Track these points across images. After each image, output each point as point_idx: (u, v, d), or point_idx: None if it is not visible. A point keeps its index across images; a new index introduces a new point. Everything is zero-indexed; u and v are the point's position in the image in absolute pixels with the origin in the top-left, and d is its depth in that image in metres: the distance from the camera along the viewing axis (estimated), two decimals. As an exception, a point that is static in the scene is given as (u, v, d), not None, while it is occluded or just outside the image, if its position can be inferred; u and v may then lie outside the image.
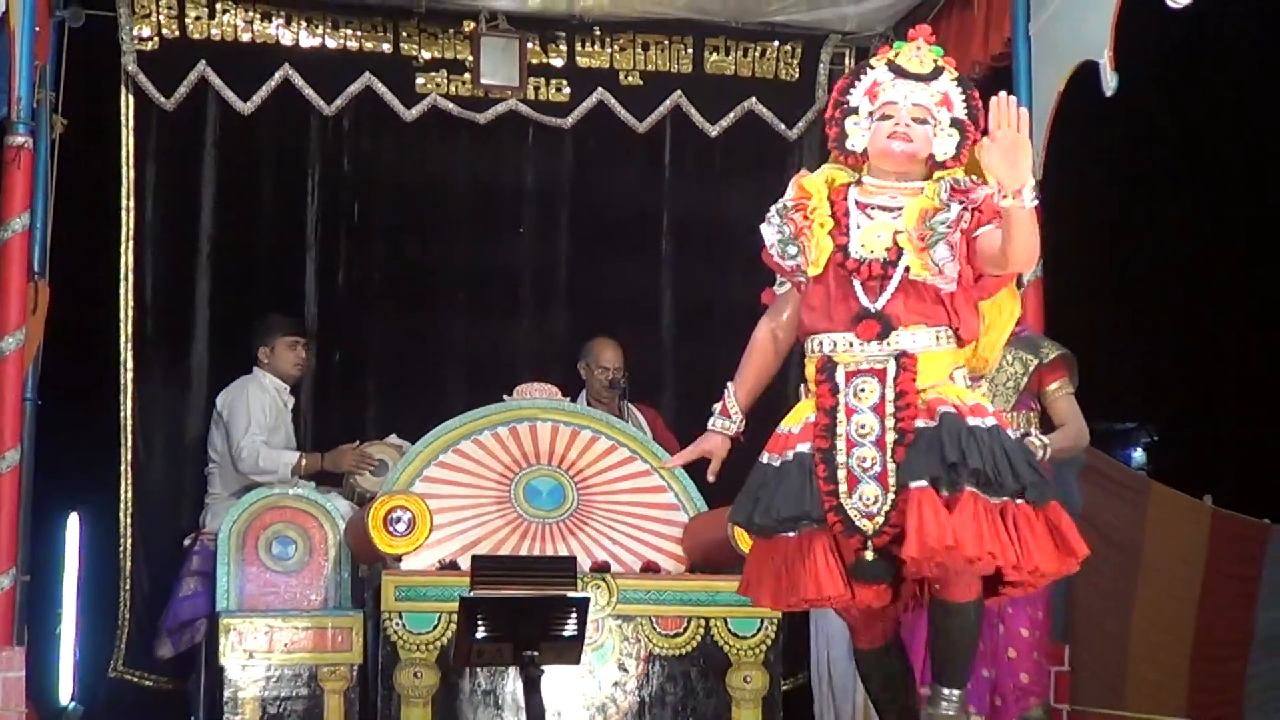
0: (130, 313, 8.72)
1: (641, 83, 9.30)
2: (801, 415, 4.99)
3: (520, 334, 9.36)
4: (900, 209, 4.95)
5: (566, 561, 6.53)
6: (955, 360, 4.96)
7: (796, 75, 9.48)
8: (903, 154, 4.97)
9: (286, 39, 8.91)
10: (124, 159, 8.76)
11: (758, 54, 9.41)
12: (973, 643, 5.02)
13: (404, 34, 9.01)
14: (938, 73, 5.04)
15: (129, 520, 8.63)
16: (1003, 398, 6.39)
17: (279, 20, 8.89)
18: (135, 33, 8.64)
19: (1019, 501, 4.70)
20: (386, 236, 9.26)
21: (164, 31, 8.70)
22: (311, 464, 8.09)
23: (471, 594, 6.08)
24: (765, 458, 4.99)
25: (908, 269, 4.88)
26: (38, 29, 7.43)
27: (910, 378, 4.83)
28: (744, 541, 7.05)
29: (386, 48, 8.99)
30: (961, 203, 4.89)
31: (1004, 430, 4.79)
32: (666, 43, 9.30)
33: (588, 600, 6.26)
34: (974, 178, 4.94)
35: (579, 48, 9.22)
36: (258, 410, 8.13)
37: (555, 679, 6.67)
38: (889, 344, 4.86)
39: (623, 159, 9.49)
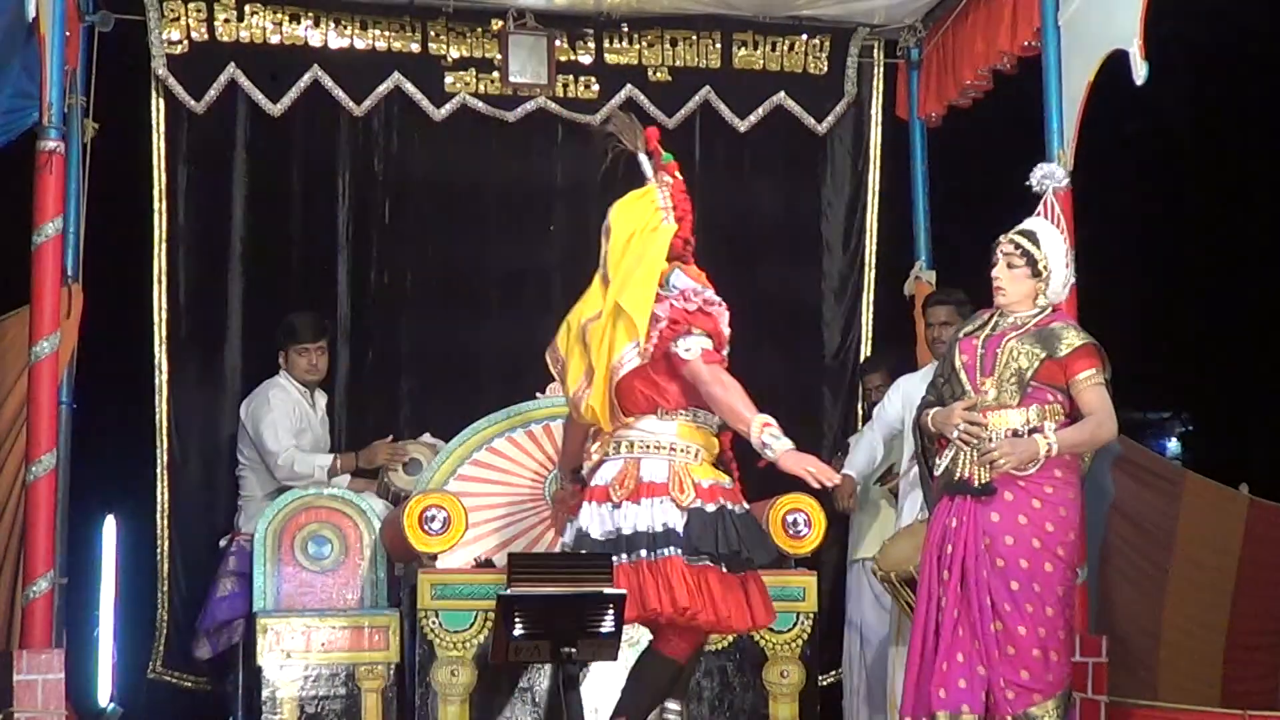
0: (164, 315, 8.76)
1: (670, 79, 9.29)
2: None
3: (553, 331, 9.30)
4: None
5: (602, 558, 6.53)
6: None
7: (825, 69, 9.46)
8: None
9: (315, 40, 8.91)
10: (155, 162, 8.79)
11: (786, 48, 9.39)
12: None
13: (432, 33, 9.02)
14: None
15: (165, 522, 8.66)
16: (1007, 392, 6.35)
17: (307, 22, 8.90)
18: (164, 36, 8.66)
19: None
20: (418, 236, 9.27)
21: (193, 34, 8.72)
22: (346, 464, 8.12)
23: (509, 591, 6.09)
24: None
25: None
26: (67, 34, 7.46)
27: None
28: None
29: (415, 47, 9.00)
30: None
31: None
32: (694, 38, 9.29)
33: (624, 596, 6.26)
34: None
35: (607, 44, 9.21)
36: (282, 415, 8.16)
37: (592, 676, 6.69)
38: None
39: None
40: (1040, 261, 6.41)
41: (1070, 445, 6.32)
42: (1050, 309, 6.48)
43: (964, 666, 6.24)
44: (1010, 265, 6.43)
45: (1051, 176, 6.59)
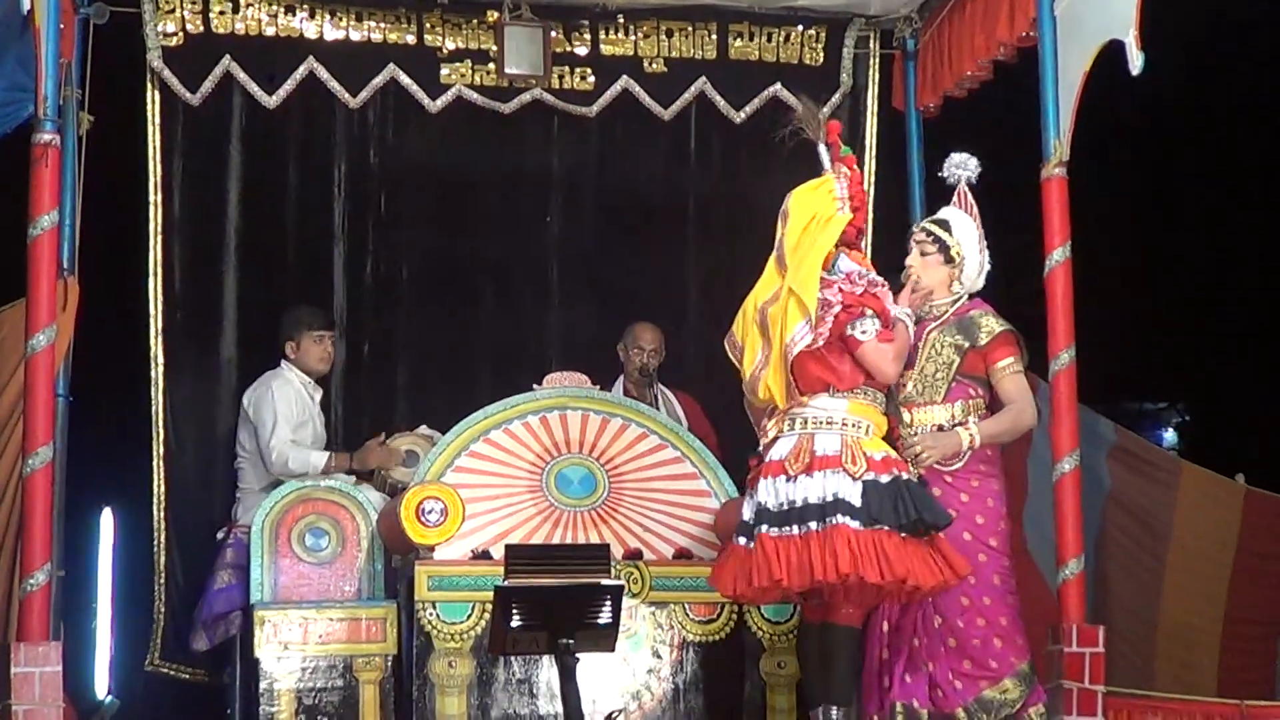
0: (159, 307, 8.73)
1: (666, 70, 9.26)
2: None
3: (549, 323, 9.37)
4: None
5: (599, 549, 6.55)
6: None
7: (821, 60, 9.44)
8: None
9: (310, 32, 8.89)
10: (151, 154, 8.76)
11: (782, 39, 9.38)
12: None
13: (428, 25, 9.00)
14: None
15: (162, 514, 8.64)
16: (931, 389, 6.44)
17: (303, 13, 8.87)
18: (160, 29, 8.64)
19: None
20: (414, 228, 9.27)
21: (188, 27, 8.69)
22: (340, 463, 8.08)
23: (506, 583, 6.10)
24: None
25: None
26: (62, 26, 7.43)
27: None
28: None
29: (410, 39, 8.97)
30: None
31: None
32: (690, 29, 9.27)
33: (622, 587, 6.27)
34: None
35: (603, 35, 9.19)
36: (284, 407, 8.13)
37: (590, 667, 6.68)
38: None
39: (648, 147, 9.47)
40: (953, 248, 6.60)
41: (992, 436, 6.53)
42: (967, 297, 6.61)
43: (910, 662, 6.45)
44: (923, 253, 6.67)
45: (963, 166, 6.76)
